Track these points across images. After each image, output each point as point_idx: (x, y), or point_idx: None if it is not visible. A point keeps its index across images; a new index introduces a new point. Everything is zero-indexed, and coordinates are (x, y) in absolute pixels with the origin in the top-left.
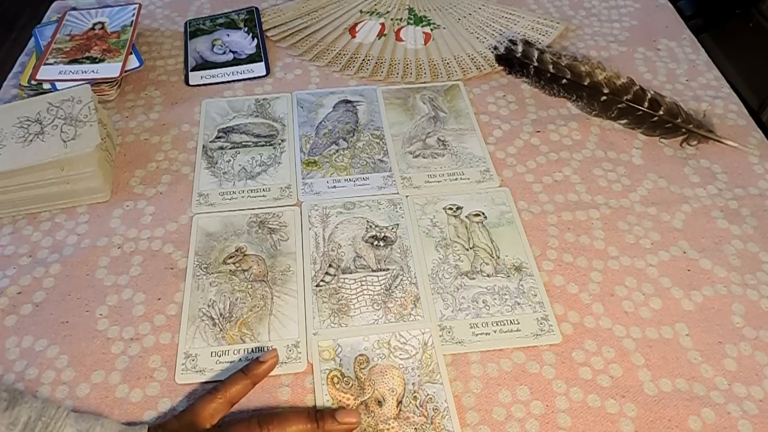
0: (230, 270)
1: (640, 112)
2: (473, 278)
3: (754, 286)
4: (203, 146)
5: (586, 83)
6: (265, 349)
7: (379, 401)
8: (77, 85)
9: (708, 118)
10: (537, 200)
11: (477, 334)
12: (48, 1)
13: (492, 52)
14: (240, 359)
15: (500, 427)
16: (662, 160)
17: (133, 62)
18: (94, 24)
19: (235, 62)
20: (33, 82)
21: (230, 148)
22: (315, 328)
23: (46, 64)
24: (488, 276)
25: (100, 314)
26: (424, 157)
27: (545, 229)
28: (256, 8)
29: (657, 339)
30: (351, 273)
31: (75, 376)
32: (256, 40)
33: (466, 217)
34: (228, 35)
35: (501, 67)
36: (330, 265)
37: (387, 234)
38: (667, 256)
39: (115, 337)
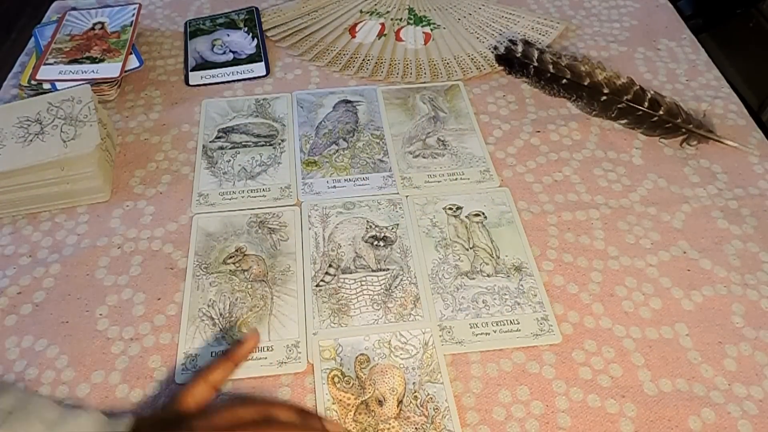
0: (230, 270)
1: (640, 112)
2: (473, 278)
3: (754, 286)
4: (203, 146)
5: (586, 83)
6: (265, 348)
7: (379, 401)
8: (77, 85)
9: (708, 118)
10: (537, 200)
11: (477, 334)
12: (48, 1)
13: (492, 52)
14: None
15: (500, 427)
16: (662, 160)
17: (133, 62)
18: (94, 24)
19: (235, 62)
20: (33, 82)
21: (230, 148)
22: (315, 328)
23: (46, 64)
24: (488, 276)
25: (100, 314)
26: (424, 157)
27: (545, 229)
28: (256, 8)
29: (657, 339)
30: (351, 273)
31: (75, 376)
32: (256, 40)
33: (466, 217)
34: (228, 35)
35: (501, 67)
36: (330, 265)
37: (387, 234)
38: (667, 256)
39: (115, 337)
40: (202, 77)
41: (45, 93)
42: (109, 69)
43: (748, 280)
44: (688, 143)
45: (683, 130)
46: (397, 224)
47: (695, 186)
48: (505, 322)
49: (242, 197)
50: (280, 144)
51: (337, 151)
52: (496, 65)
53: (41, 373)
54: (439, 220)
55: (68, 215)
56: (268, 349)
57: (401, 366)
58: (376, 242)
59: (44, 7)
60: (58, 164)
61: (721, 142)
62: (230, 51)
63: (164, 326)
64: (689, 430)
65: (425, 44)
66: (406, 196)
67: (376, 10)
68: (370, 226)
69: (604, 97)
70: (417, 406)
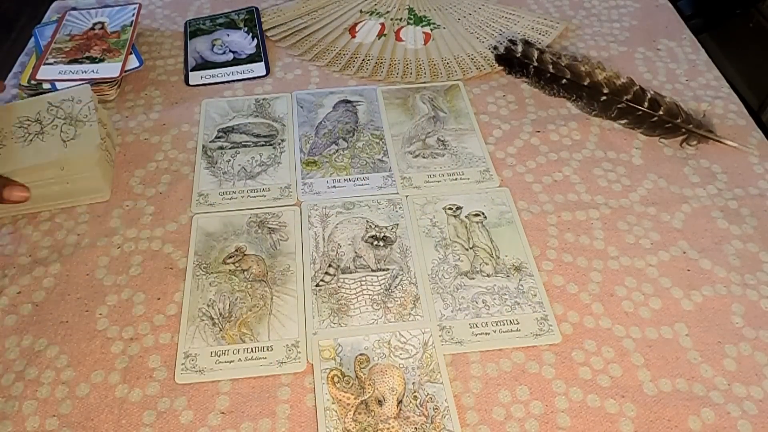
0: (230, 270)
1: (640, 112)
2: (473, 278)
3: (754, 286)
4: (203, 146)
5: (586, 83)
6: (265, 348)
7: (379, 401)
8: (77, 85)
9: (708, 118)
10: (537, 200)
11: (477, 334)
12: (48, 1)
13: (492, 52)
14: (240, 359)
15: (500, 427)
16: (662, 160)
17: (133, 62)
18: (94, 24)
19: (235, 62)
20: (33, 82)
21: (230, 148)
22: (315, 328)
23: (46, 63)
24: (488, 276)
25: (100, 314)
26: (424, 157)
27: (545, 229)
28: (256, 8)
29: (657, 339)
30: (351, 273)
31: (75, 376)
32: (256, 40)
33: (465, 217)
34: (228, 35)
35: (501, 67)
36: (330, 265)
37: (387, 234)
38: (667, 256)
39: (115, 337)
40: (202, 77)
41: (45, 93)
42: (109, 69)
43: (748, 280)
44: (688, 143)
45: (683, 130)
46: (397, 224)
47: (695, 186)
48: (505, 322)
49: (242, 197)
50: (279, 144)
51: (336, 151)
52: (496, 65)
53: (41, 373)
54: (438, 220)
55: (68, 215)
56: (267, 349)
57: (401, 366)
58: (375, 242)
59: (44, 7)
60: (58, 164)
61: (721, 142)
62: (230, 51)
63: (164, 326)
64: (689, 430)
65: (425, 44)
66: (406, 196)
67: (376, 10)
68: (370, 226)
69: (604, 97)
70: (417, 406)
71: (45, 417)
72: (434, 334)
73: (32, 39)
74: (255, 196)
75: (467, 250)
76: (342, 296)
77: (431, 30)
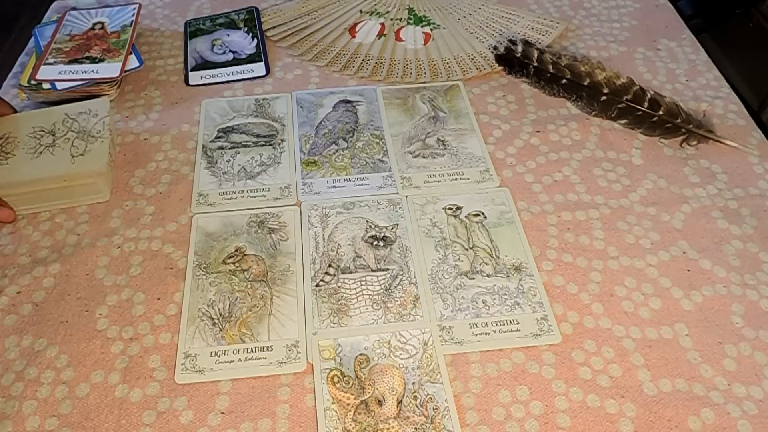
0: (230, 270)
1: (640, 112)
2: (473, 278)
3: (753, 286)
4: (203, 146)
5: (585, 83)
6: (265, 348)
7: (379, 401)
8: (78, 85)
9: (708, 118)
10: (537, 200)
11: (476, 334)
12: (48, 1)
13: (492, 52)
14: (240, 359)
15: (500, 427)
16: (662, 160)
17: (132, 62)
18: (94, 24)
19: (235, 62)
20: (33, 82)
21: (230, 148)
22: (314, 328)
23: (45, 63)
24: (488, 276)
25: (100, 314)
26: (424, 157)
27: (545, 229)
28: (256, 8)
29: (656, 339)
30: (351, 273)
31: (75, 376)
32: (256, 40)
33: (465, 217)
34: (228, 35)
35: (501, 67)
36: (330, 265)
37: (387, 234)
38: (667, 256)
39: (115, 337)
40: (201, 77)
41: (45, 93)
42: (109, 69)
43: (748, 280)
44: (688, 143)
45: (683, 130)
46: (397, 224)
47: (695, 186)
48: (505, 322)
49: (242, 197)
50: (279, 144)
51: (336, 151)
52: (496, 65)
53: (41, 373)
54: (438, 220)
55: (68, 215)
56: (267, 349)
57: (401, 366)
58: (375, 242)
59: (44, 7)
60: (62, 179)
61: (721, 142)
62: (230, 51)
63: (164, 326)
64: (689, 430)
65: (425, 44)
66: (406, 196)
67: (376, 10)
68: (370, 226)
69: (604, 97)
70: (416, 406)
71: (45, 417)
72: (434, 334)
73: (32, 39)
74: (255, 196)
75: (467, 250)
76: (342, 296)
77: (431, 30)
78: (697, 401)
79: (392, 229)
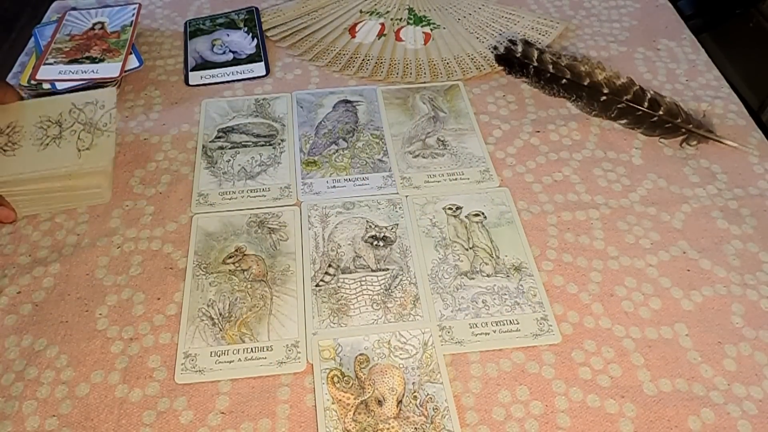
0: (230, 270)
1: (640, 112)
2: (473, 278)
3: (753, 286)
4: (203, 146)
5: (585, 83)
6: (265, 348)
7: (379, 401)
8: (78, 85)
9: (708, 118)
10: (537, 200)
11: (476, 334)
12: (48, 1)
13: (492, 52)
14: (239, 359)
15: (500, 427)
16: (662, 160)
17: (132, 62)
18: (94, 24)
19: (235, 62)
20: (33, 82)
21: (230, 148)
22: (314, 328)
23: (45, 63)
24: (488, 276)
25: (100, 314)
26: (424, 157)
27: (545, 229)
28: (256, 8)
29: (656, 339)
30: (350, 273)
31: (74, 376)
32: (255, 40)
33: (465, 217)
34: (228, 35)
35: (501, 67)
36: (329, 265)
37: (386, 234)
38: (667, 256)
39: (115, 337)
40: (201, 77)
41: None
42: (109, 69)
43: (748, 280)
44: (688, 143)
45: (683, 130)
46: (397, 224)
47: (695, 186)
48: (505, 322)
49: (242, 197)
50: (279, 144)
51: (336, 151)
52: (496, 65)
53: (41, 373)
54: (438, 220)
55: (68, 215)
56: (267, 349)
57: (401, 366)
58: (375, 242)
59: (44, 7)
60: (68, 175)
61: (721, 142)
62: (230, 51)
63: (164, 326)
64: (689, 430)
65: (425, 44)
66: (406, 196)
67: (375, 10)
68: (370, 226)
69: (604, 97)
70: (416, 406)
71: (45, 417)
72: (434, 334)
73: (32, 39)
74: (255, 196)
75: (467, 250)
76: (342, 296)
77: (431, 30)
78: (697, 401)
79: (392, 229)
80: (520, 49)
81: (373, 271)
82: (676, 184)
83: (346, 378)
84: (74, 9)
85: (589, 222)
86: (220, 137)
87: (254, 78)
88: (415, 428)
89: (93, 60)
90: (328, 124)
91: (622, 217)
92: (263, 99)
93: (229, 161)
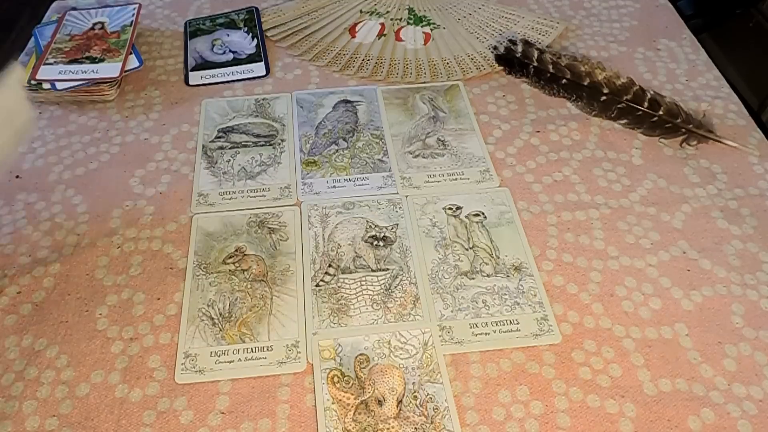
0: (230, 270)
1: (640, 112)
2: (473, 278)
3: (753, 286)
4: (203, 146)
5: (585, 83)
6: (265, 348)
7: (379, 400)
8: (78, 85)
9: (708, 118)
10: (537, 200)
11: (477, 334)
12: (48, 1)
13: (492, 52)
14: (240, 359)
15: (500, 427)
16: (662, 160)
17: (132, 62)
18: (94, 24)
19: (235, 62)
20: (33, 82)
21: (230, 148)
22: (314, 328)
23: (46, 63)
24: (488, 276)
25: (100, 314)
26: (424, 157)
27: (545, 229)
28: (256, 8)
29: (657, 339)
30: (351, 273)
31: (75, 376)
32: (256, 40)
33: (465, 217)
34: (228, 35)
35: (501, 67)
36: (330, 265)
37: (387, 234)
38: (667, 256)
39: (115, 337)
40: (201, 77)
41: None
42: (109, 69)
43: (748, 280)
44: (688, 143)
45: (683, 130)
46: (397, 224)
47: (695, 186)
48: (505, 322)
49: (242, 197)
50: (279, 144)
51: (336, 151)
52: (496, 65)
53: (41, 373)
54: (438, 220)
55: (68, 215)
56: (267, 349)
57: (401, 366)
58: (375, 242)
59: (44, 7)
60: None
61: (721, 142)
62: (230, 51)
63: (164, 326)
64: (689, 430)
65: (425, 44)
66: (406, 196)
67: (376, 10)
68: (370, 226)
69: (604, 97)
70: (416, 406)
71: (45, 417)
72: (434, 334)
73: (32, 39)
74: (255, 196)
75: (467, 250)
76: (342, 296)
77: (431, 30)
78: (697, 401)
79: (392, 229)
80: (520, 49)
81: (373, 271)
82: (676, 184)
83: (346, 378)
84: (74, 9)
85: (589, 222)
86: (220, 137)
87: (254, 78)
88: (415, 428)
89: (93, 60)
90: (328, 124)
91: (622, 217)
92: (263, 99)
93: (229, 161)
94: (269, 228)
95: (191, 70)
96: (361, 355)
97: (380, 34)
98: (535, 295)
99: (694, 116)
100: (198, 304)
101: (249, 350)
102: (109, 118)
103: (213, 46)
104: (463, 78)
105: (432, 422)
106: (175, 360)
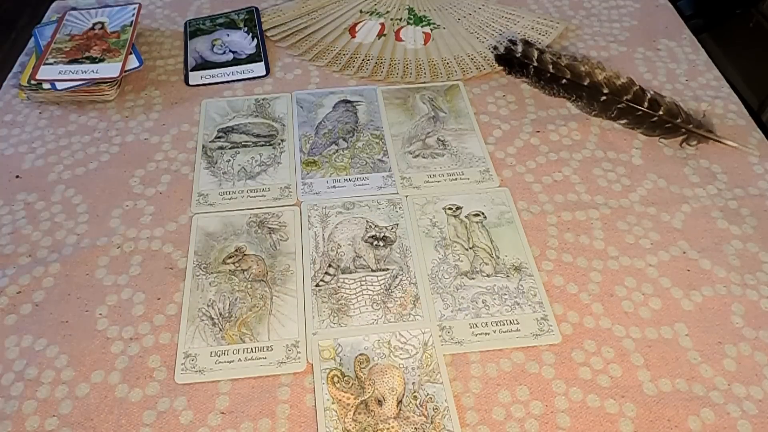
0: (230, 270)
1: (640, 112)
2: (473, 278)
3: (753, 286)
4: (203, 146)
5: (585, 83)
6: (265, 348)
7: (379, 401)
8: (78, 85)
9: (708, 118)
10: (536, 200)
11: (476, 334)
12: (48, 1)
13: (492, 52)
14: (239, 359)
15: (500, 427)
16: (662, 160)
17: (132, 62)
18: (94, 24)
19: (235, 62)
20: (33, 82)
21: (230, 148)
22: (314, 328)
23: (46, 63)
24: (488, 276)
25: (100, 314)
26: (424, 157)
27: (545, 229)
28: (256, 8)
29: (656, 339)
30: (350, 273)
31: (74, 376)
32: (255, 40)
33: (465, 217)
34: (228, 35)
35: (501, 67)
36: (329, 265)
37: (386, 234)
38: (667, 256)
39: (115, 337)
40: (201, 77)
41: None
42: (109, 69)
43: (748, 280)
44: (688, 143)
45: (683, 130)
46: (397, 224)
47: (695, 186)
48: (505, 322)
49: (242, 197)
50: (279, 144)
51: (336, 151)
52: (496, 65)
53: (41, 373)
54: (438, 220)
55: (68, 215)
56: (267, 349)
57: (401, 366)
58: (375, 242)
59: (44, 7)
60: None
61: (721, 142)
62: (230, 51)
63: (164, 326)
64: (689, 430)
65: (425, 44)
66: (406, 196)
67: (375, 10)
68: (370, 226)
69: (604, 97)
70: (416, 406)
71: (45, 417)
72: (434, 334)
73: (32, 39)
74: (255, 196)
75: (467, 250)
76: (342, 296)
77: (431, 30)
78: (697, 401)
79: (392, 229)
80: (520, 49)
81: (373, 271)
82: (676, 184)
83: (346, 378)
84: (74, 9)
85: (589, 222)
86: (220, 137)
87: (254, 78)
88: (415, 428)
89: (93, 60)
90: (328, 124)
91: (622, 217)
92: (263, 99)
93: (229, 161)
94: (269, 228)
95: (191, 70)
96: (361, 355)
97: (380, 34)
98: (535, 295)
99: (694, 116)
100: (198, 304)
101: (249, 350)
102: (109, 118)
103: (213, 46)
104: (463, 78)
105: (432, 422)
106: (175, 360)
